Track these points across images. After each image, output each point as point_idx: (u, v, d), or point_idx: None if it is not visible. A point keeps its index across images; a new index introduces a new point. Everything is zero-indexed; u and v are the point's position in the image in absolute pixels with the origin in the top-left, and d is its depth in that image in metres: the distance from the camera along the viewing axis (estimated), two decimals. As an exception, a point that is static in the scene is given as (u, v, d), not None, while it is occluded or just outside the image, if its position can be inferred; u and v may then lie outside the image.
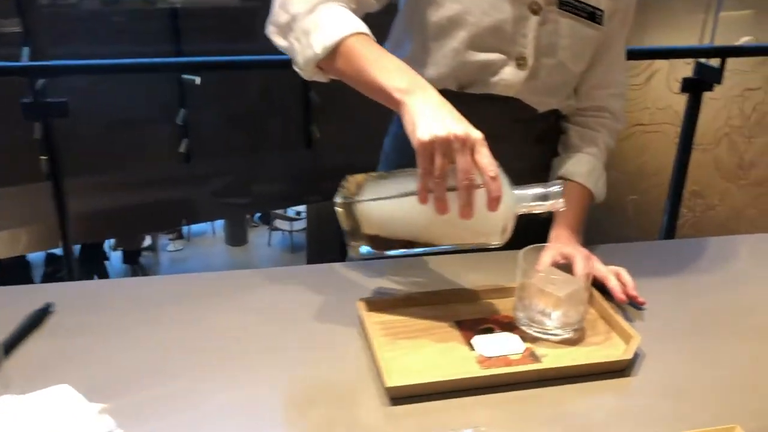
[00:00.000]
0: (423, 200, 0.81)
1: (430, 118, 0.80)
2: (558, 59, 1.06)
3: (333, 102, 4.56)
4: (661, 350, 0.89)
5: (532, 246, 0.92)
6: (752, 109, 3.64)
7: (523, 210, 0.84)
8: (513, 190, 0.83)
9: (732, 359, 0.88)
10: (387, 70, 0.86)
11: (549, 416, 0.77)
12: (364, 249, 0.87)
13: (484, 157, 0.80)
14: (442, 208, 0.80)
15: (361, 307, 0.92)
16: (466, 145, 0.79)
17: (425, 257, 1.09)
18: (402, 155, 1.10)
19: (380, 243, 0.87)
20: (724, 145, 3.69)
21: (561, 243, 1.00)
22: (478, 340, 0.88)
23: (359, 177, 0.88)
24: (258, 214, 9.26)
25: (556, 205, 0.83)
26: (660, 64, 3.55)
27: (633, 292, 0.97)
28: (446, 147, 0.79)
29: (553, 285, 0.88)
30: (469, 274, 1.04)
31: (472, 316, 0.93)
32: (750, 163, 3.71)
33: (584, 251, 0.97)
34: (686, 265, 1.12)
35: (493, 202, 0.80)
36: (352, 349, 0.87)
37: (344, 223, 0.86)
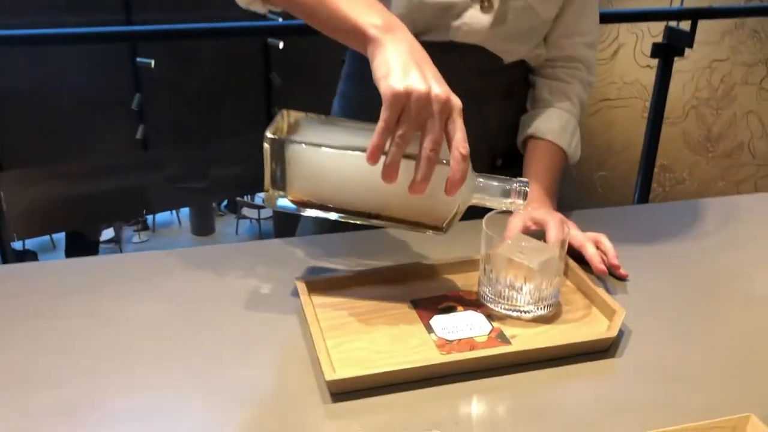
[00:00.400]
0: (372, 160, 0.67)
1: (409, 66, 0.67)
2: (526, 1, 0.93)
3: (294, 83, 4.40)
4: (649, 326, 0.77)
5: (498, 210, 0.79)
6: (720, 81, 3.58)
7: (476, 201, 0.73)
8: (475, 178, 0.72)
9: (732, 334, 0.76)
10: (356, 3, 0.73)
11: (522, 407, 0.64)
12: (282, 202, 0.74)
13: (459, 131, 0.68)
14: (391, 174, 0.67)
15: (301, 287, 0.78)
16: (444, 110, 0.67)
17: (378, 229, 0.96)
18: (348, 116, 0.98)
19: (303, 198, 0.73)
20: (692, 118, 3.63)
21: (532, 207, 0.88)
22: (437, 321, 0.75)
23: (299, 114, 0.74)
24: (224, 203, 9.06)
25: (516, 205, 0.72)
26: (626, 37, 3.47)
27: (614, 261, 0.85)
28: (421, 105, 0.66)
29: (523, 254, 0.76)
30: (427, 247, 0.91)
31: (431, 294, 0.81)
32: (718, 135, 3.65)
33: (559, 216, 0.85)
34: (667, 230, 1.00)
35: (454, 186, 0.68)
36: (290, 337, 0.74)
37: (268, 165, 0.71)
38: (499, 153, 1.05)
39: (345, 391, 0.65)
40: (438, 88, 0.67)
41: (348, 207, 0.73)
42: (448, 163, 0.68)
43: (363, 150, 0.68)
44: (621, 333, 0.74)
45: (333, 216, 0.74)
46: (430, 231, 0.74)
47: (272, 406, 0.64)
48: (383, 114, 0.66)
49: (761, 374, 0.70)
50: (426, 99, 0.66)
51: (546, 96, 1.02)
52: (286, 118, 0.73)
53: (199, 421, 0.63)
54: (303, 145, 0.71)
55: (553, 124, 1.00)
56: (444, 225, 0.73)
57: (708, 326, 0.78)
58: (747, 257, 0.93)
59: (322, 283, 0.80)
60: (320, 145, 0.70)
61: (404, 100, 0.66)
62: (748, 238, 0.99)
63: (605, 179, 3.83)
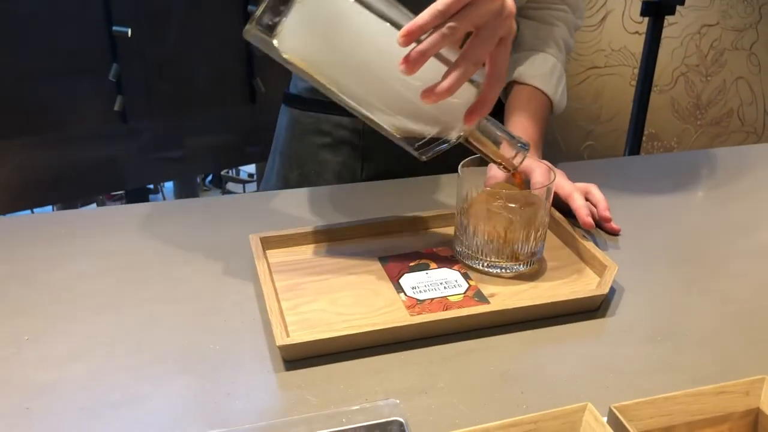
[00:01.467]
0: (407, 38, 0.55)
1: None
2: None
3: (275, 53, 4.27)
4: (643, 283, 0.69)
5: (475, 156, 0.71)
6: (709, 47, 3.50)
7: (473, 140, 0.64)
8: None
9: (735, 289, 0.69)
10: None
11: (502, 372, 0.56)
12: (262, 43, 0.58)
13: (504, 58, 0.59)
14: (416, 62, 0.56)
15: (255, 242, 0.70)
16: (504, 27, 0.58)
17: (348, 185, 0.87)
18: None
19: (293, 57, 0.59)
20: (681, 85, 3.56)
21: None
22: (407, 279, 0.67)
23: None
24: (209, 177, 8.92)
25: (509, 163, 0.64)
26: (614, 3, 3.38)
27: (605, 213, 0.77)
28: (490, 10, 0.57)
29: (503, 205, 0.68)
30: (400, 204, 0.83)
31: (401, 250, 0.72)
32: (707, 102, 3.58)
33: (545, 164, 0.77)
34: (662, 181, 0.92)
35: (475, 113, 0.59)
36: (243, 298, 0.65)
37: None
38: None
39: (299, 357, 0.57)
40: (512, 3, 0.59)
41: (342, 88, 0.61)
42: (475, 85, 0.59)
43: (397, 26, 0.57)
44: (612, 290, 0.66)
45: (316, 84, 0.61)
46: (414, 151, 0.64)
47: (217, 375, 0.56)
48: None
49: (769, 334, 0.62)
50: (500, 6, 0.57)
51: (530, 39, 0.94)
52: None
53: (132, 390, 0.54)
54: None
55: (538, 69, 0.91)
56: (430, 148, 0.63)
57: (709, 282, 0.70)
58: (749, 208, 0.86)
59: (279, 239, 0.72)
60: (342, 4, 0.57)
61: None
62: (743, 190, 0.91)
63: (593, 149, 3.76)
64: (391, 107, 0.62)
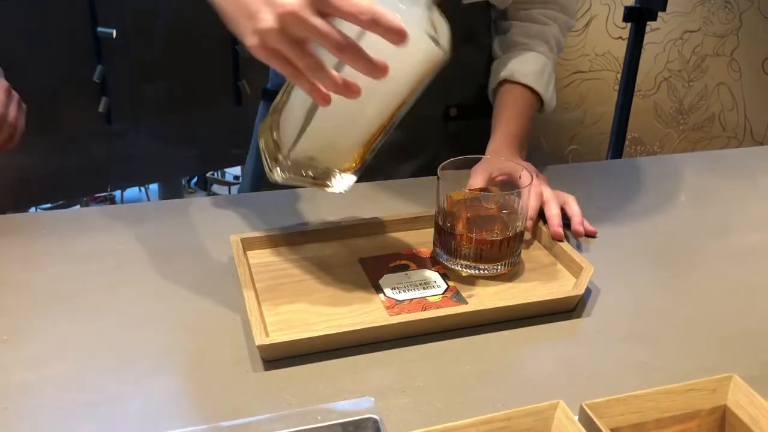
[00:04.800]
0: (322, 100, 0.55)
1: (243, 8, 0.54)
2: None
3: (261, 54, 4.25)
4: (619, 284, 0.70)
5: (455, 159, 0.72)
6: (691, 53, 3.54)
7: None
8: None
9: (709, 291, 0.70)
10: None
11: (479, 372, 0.57)
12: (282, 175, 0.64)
13: (343, 5, 0.52)
14: (324, 97, 0.55)
15: (235, 243, 0.70)
16: (304, 16, 0.52)
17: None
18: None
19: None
20: (664, 90, 3.59)
21: (501, 155, 0.81)
22: (387, 280, 0.68)
23: (267, 127, 0.66)
24: (194, 180, 8.88)
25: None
26: (598, 8, 3.41)
27: (578, 228, 0.77)
28: (284, 35, 0.53)
29: (481, 207, 0.68)
30: (380, 205, 0.84)
31: (382, 252, 0.73)
32: (689, 107, 3.62)
33: (530, 167, 0.78)
34: (639, 185, 0.94)
35: (395, 35, 0.53)
36: (223, 299, 0.66)
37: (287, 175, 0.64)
38: (454, 102, 0.97)
39: (278, 357, 0.57)
40: (280, 5, 0.52)
41: (365, 134, 0.64)
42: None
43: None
44: (588, 291, 0.67)
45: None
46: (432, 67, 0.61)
47: (196, 374, 0.56)
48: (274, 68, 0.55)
49: (742, 333, 0.63)
50: (281, 29, 0.52)
51: (521, 39, 0.94)
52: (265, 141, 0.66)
53: (112, 389, 0.54)
54: (297, 144, 0.63)
55: (529, 68, 0.91)
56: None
57: (683, 284, 0.71)
58: (723, 212, 0.87)
59: (260, 240, 0.72)
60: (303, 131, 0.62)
61: (268, 47, 0.54)
62: (720, 194, 0.92)
63: (577, 152, 3.79)
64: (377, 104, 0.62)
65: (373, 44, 0.54)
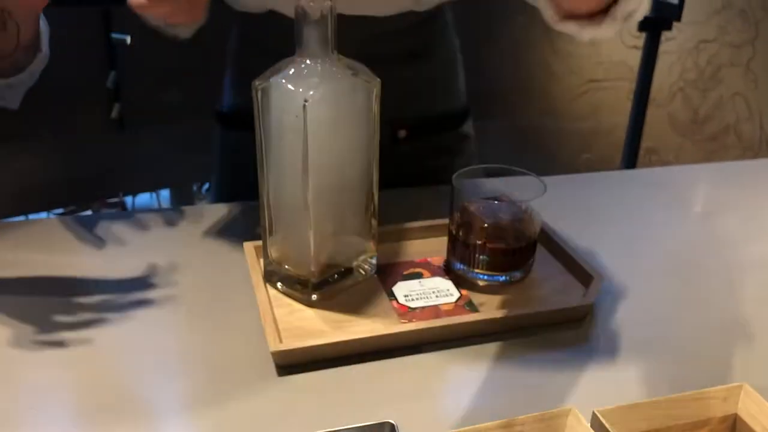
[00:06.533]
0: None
1: None
2: None
3: (271, 61, 4.28)
4: (629, 293, 0.71)
5: (469, 168, 0.73)
6: (707, 62, 3.53)
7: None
8: None
9: (720, 301, 0.70)
10: None
11: (492, 378, 0.58)
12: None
13: None
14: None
15: (249, 250, 0.71)
16: None
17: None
18: None
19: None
20: (679, 100, 3.58)
21: None
22: (400, 287, 0.69)
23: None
24: (205, 185, 8.92)
25: None
26: (613, 17, 3.41)
27: None
28: None
29: (495, 216, 0.69)
30: (393, 213, 0.85)
31: (394, 259, 0.74)
32: (704, 117, 3.61)
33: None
34: (651, 196, 0.94)
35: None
36: (237, 305, 0.67)
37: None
38: (402, 124, 0.93)
39: (292, 363, 0.58)
40: None
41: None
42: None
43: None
44: (599, 300, 0.68)
45: None
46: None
47: (210, 379, 0.57)
48: None
49: (753, 342, 0.64)
50: None
51: None
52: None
53: (127, 393, 0.56)
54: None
55: None
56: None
57: (694, 293, 0.72)
58: (732, 224, 0.87)
59: (275, 247, 0.73)
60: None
61: None
62: (733, 205, 0.93)
63: (590, 162, 3.78)
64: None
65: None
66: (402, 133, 0.93)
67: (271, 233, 0.67)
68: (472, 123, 1.01)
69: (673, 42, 3.23)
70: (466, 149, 1.01)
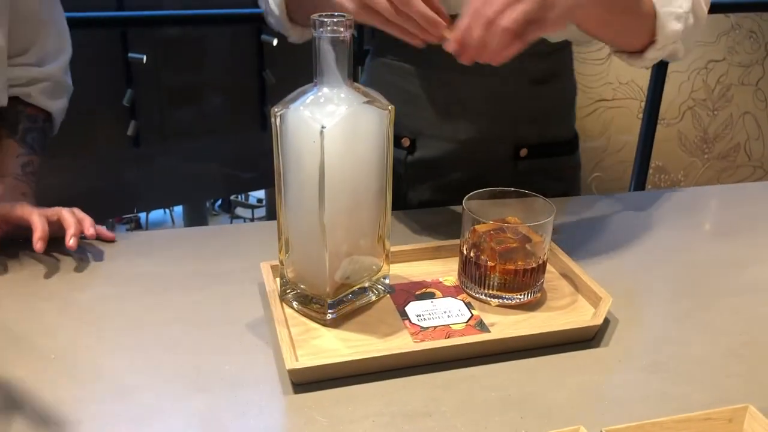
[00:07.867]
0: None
1: None
2: None
3: (287, 82, 4.33)
4: (637, 315, 0.72)
5: (480, 191, 0.74)
6: (716, 82, 3.54)
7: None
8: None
9: (726, 323, 0.71)
10: None
11: (502, 397, 0.59)
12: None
13: None
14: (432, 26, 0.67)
15: (266, 270, 0.73)
16: None
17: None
18: None
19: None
20: (688, 119, 3.59)
21: None
22: (412, 307, 0.70)
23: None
24: (218, 202, 8.98)
25: None
26: (622, 37, 3.43)
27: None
28: None
29: (505, 237, 0.71)
30: (406, 234, 0.86)
31: (407, 279, 0.76)
32: (714, 136, 3.62)
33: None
34: (659, 217, 0.95)
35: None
36: (255, 324, 0.68)
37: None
38: (525, 143, 0.97)
39: (308, 381, 0.60)
40: None
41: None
42: None
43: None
44: (607, 321, 0.69)
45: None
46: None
47: (229, 395, 0.59)
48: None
49: (758, 364, 0.65)
50: None
51: None
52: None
53: (147, 408, 0.57)
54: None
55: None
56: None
57: (700, 315, 0.73)
58: (741, 245, 0.89)
59: (290, 267, 0.75)
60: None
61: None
62: (742, 227, 0.94)
63: (600, 180, 3.79)
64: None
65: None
66: (523, 152, 0.98)
67: (287, 253, 0.69)
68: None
69: (682, 62, 3.24)
70: (576, 177, 1.06)
